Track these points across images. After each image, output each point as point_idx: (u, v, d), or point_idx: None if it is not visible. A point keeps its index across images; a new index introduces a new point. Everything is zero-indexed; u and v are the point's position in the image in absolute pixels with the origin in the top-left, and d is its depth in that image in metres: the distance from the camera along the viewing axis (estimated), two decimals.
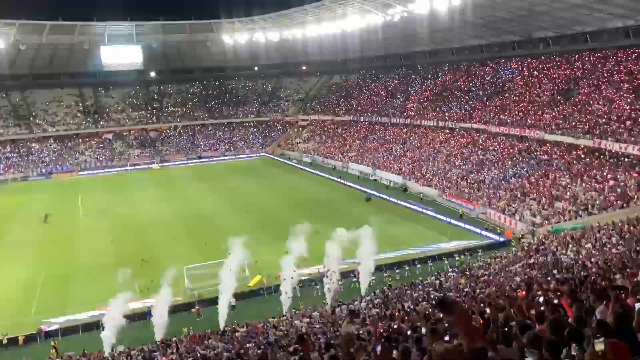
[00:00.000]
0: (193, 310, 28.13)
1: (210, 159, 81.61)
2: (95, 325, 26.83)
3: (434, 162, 55.96)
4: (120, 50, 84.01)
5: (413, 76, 79.75)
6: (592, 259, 20.42)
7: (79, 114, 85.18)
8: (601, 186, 37.04)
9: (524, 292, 12.42)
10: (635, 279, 9.62)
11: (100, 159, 79.35)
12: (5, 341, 25.21)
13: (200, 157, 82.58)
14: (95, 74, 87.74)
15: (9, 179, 69.67)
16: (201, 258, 33.37)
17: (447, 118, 61.54)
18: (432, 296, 22.19)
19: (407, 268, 32.52)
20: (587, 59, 52.16)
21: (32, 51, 76.80)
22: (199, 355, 18.12)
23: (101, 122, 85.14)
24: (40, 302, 29.82)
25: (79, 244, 40.32)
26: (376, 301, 24.16)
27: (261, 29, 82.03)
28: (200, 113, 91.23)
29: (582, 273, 16.37)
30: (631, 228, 25.47)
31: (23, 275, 33.83)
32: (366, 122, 76.44)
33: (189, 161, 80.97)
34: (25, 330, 26.12)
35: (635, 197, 33.94)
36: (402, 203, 48.51)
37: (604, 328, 5.25)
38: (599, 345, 3.89)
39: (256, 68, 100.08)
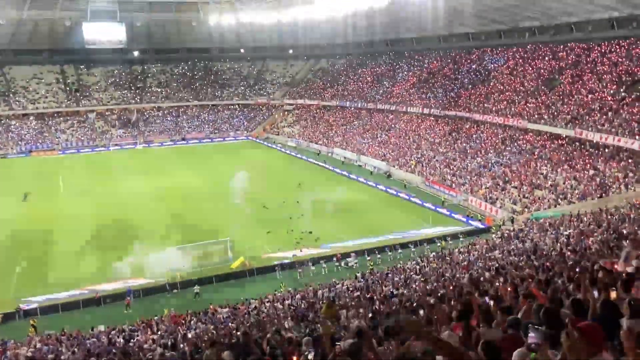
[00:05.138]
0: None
1: (195, 141, 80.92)
2: (75, 305, 26.82)
3: (418, 149, 56.23)
4: (104, 28, 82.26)
5: (400, 63, 79.63)
6: (570, 246, 20.82)
7: (60, 92, 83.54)
8: (581, 175, 37.68)
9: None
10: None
11: (82, 138, 78.15)
12: None
13: (184, 139, 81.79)
14: (78, 51, 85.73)
15: None
16: (183, 239, 33.37)
17: (432, 105, 61.70)
18: (414, 280, 22.49)
19: (389, 253, 32.86)
20: (571, 49, 52.57)
21: (12, 26, 74.82)
22: (179, 335, 18.16)
23: (83, 101, 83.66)
24: (19, 281, 29.46)
25: (58, 223, 39.80)
26: (358, 284, 24.41)
27: (248, 11, 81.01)
28: (185, 94, 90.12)
29: (559, 259, 16.69)
30: (609, 217, 25.98)
31: (1, 254, 33.37)
32: (352, 108, 76.31)
33: (173, 142, 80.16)
34: (3, 309, 25.82)
35: (614, 186, 34.64)
36: (385, 189, 48.74)
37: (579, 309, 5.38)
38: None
39: (242, 50, 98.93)
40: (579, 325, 4.07)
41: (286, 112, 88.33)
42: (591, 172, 37.53)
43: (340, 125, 74.45)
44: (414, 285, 20.63)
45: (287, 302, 22.88)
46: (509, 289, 10.10)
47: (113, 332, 20.97)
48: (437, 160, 51.67)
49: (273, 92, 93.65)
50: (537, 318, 5.53)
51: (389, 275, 25.95)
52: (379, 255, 32.42)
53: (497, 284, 13.36)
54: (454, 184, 45.77)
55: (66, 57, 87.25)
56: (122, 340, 19.31)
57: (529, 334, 4.70)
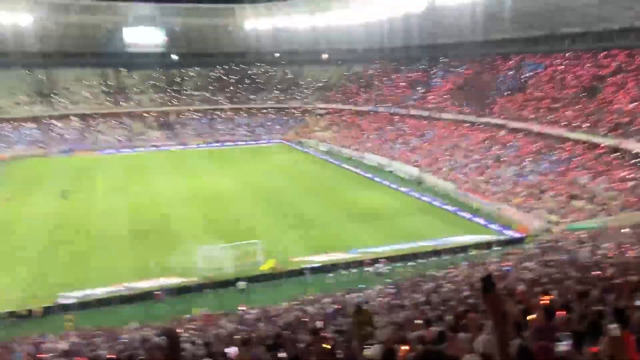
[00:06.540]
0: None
1: (229, 144, 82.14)
2: (110, 301, 27.56)
3: (452, 155, 55.56)
4: (143, 32, 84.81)
5: (435, 68, 78.95)
6: (609, 259, 20.24)
7: (101, 94, 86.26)
8: (621, 186, 36.52)
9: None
10: None
11: (121, 139, 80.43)
12: (24, 313, 25.82)
13: (218, 141, 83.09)
14: (118, 54, 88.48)
15: (30, 154, 70.92)
16: (216, 240, 33.88)
17: (467, 112, 60.92)
18: (444, 289, 22.20)
19: (420, 260, 32.54)
20: (613, 57, 51.09)
21: (58, 30, 77.82)
22: (211, 334, 18.44)
23: (122, 103, 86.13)
24: (59, 275, 30.45)
25: (97, 221, 41.01)
26: (388, 291, 24.28)
27: (284, 15, 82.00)
28: (220, 97, 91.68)
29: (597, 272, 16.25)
30: None
31: (41, 250, 34.61)
32: (385, 113, 76.06)
33: (208, 145, 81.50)
34: (42, 303, 26.72)
35: None
36: (417, 195, 48.31)
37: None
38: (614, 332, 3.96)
39: (277, 54, 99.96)
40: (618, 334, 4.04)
41: (319, 116, 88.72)
42: (631, 183, 36.34)
43: (372, 130, 74.26)
44: (444, 293, 20.39)
45: (316, 305, 22.95)
46: (544, 299, 9.93)
47: (146, 329, 21.47)
48: (470, 168, 50.95)
49: (307, 96, 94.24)
50: (575, 327, 5.47)
51: (420, 282, 25.70)
52: (409, 262, 32.18)
53: (532, 294, 13.12)
54: (487, 192, 45.03)
55: (107, 60, 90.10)
56: (154, 337, 19.74)
57: (561, 343, 4.71)
